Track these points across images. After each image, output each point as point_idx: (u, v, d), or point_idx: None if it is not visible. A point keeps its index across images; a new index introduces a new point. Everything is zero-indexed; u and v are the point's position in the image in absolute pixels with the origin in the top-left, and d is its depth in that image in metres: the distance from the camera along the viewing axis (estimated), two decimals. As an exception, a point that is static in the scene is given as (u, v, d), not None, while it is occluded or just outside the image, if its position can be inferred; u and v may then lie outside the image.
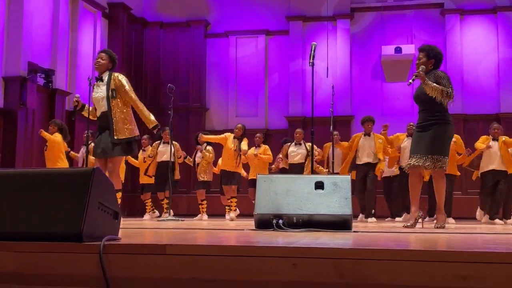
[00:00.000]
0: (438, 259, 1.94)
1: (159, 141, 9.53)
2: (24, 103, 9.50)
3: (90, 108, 5.80)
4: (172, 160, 8.97)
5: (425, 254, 1.96)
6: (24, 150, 9.43)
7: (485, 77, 12.65)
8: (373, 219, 8.34)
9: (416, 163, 5.26)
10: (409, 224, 5.36)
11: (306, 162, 8.86)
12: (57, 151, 8.39)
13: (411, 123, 8.81)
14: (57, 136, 8.42)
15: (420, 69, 5.24)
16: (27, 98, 9.53)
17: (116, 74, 5.64)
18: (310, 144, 8.60)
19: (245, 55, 13.66)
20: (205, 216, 9.38)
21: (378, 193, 9.10)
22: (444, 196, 5.37)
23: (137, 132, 5.66)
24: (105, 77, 5.60)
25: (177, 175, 9.63)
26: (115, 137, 5.46)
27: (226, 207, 9.27)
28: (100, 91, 5.58)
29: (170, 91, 8.28)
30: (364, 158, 8.60)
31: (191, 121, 13.27)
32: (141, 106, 5.65)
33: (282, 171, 9.24)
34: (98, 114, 5.63)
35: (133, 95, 5.59)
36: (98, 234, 2.34)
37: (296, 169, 8.90)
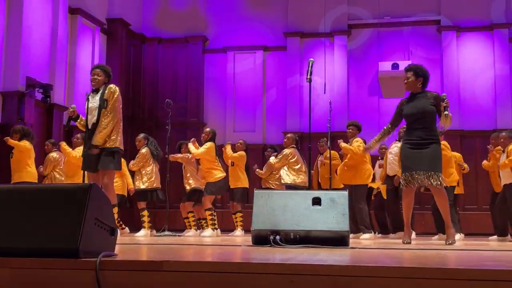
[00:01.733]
0: (435, 277, 1.93)
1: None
2: (22, 117, 9.49)
3: (84, 119, 5.80)
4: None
5: (422, 272, 1.96)
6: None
7: (482, 93, 12.70)
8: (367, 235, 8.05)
9: (416, 180, 5.27)
10: (405, 241, 5.38)
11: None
12: (24, 158, 8.03)
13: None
14: (25, 143, 8.04)
15: (444, 96, 5.32)
16: (25, 113, 9.53)
17: (112, 85, 5.73)
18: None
19: (243, 71, 13.71)
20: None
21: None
22: (449, 212, 5.39)
23: (119, 145, 5.64)
24: (101, 89, 5.70)
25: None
26: (95, 143, 5.47)
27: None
28: (94, 102, 5.65)
29: (168, 106, 8.30)
30: None
31: (189, 136, 13.17)
32: (111, 123, 5.55)
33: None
34: (90, 125, 5.64)
35: (116, 104, 5.60)
36: (95, 250, 2.33)
37: None
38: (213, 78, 13.91)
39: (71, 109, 5.78)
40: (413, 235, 7.35)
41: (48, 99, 10.05)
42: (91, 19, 12.02)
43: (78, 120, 5.79)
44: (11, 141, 8.03)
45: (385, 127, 5.83)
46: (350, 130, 8.16)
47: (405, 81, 5.54)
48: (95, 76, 5.73)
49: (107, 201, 2.60)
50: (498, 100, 12.56)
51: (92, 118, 5.59)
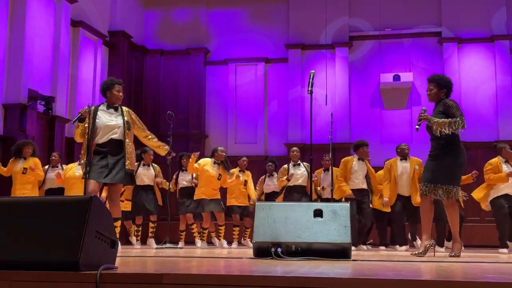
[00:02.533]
0: (437, 289, 1.92)
1: (137, 163, 8.51)
2: (24, 130, 9.51)
3: (85, 125, 5.61)
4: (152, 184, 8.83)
5: (423, 285, 1.94)
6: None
7: (483, 104, 12.71)
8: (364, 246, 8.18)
9: (425, 193, 5.24)
10: (420, 252, 5.29)
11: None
12: (38, 176, 8.43)
13: (403, 144, 8.73)
14: (38, 164, 8.37)
15: (422, 111, 5.27)
16: (27, 125, 9.54)
17: (125, 108, 5.77)
18: (307, 164, 8.68)
19: (244, 83, 13.74)
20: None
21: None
22: (458, 225, 5.32)
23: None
24: (118, 108, 5.69)
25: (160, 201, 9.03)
26: (129, 168, 5.55)
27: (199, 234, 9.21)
28: (114, 120, 5.60)
29: (170, 118, 8.30)
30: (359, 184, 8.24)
31: (191, 148, 13.24)
32: (152, 135, 6.01)
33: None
34: (103, 139, 5.55)
35: (145, 127, 5.98)
36: (95, 262, 2.32)
37: (298, 190, 8.74)
38: (214, 90, 13.93)
39: (84, 110, 5.65)
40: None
41: (50, 111, 10.07)
42: (93, 31, 12.08)
43: (83, 123, 5.63)
44: (38, 174, 8.34)
45: None
46: (367, 150, 8.39)
47: (428, 92, 5.45)
48: (121, 93, 5.76)
49: (108, 214, 2.59)
50: (500, 111, 12.56)
51: (113, 135, 5.55)
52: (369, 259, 4.48)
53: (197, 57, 13.91)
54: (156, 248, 8.02)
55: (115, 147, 5.55)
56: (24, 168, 8.22)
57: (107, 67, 12.73)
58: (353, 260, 4.00)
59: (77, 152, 10.38)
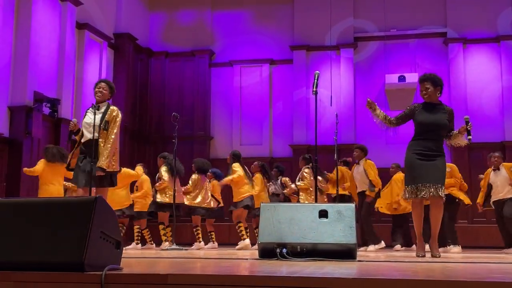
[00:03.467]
0: (443, 289, 1.91)
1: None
2: (30, 132, 9.54)
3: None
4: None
5: (429, 284, 1.93)
6: (28, 179, 9.41)
7: (489, 105, 12.66)
8: (372, 247, 8.19)
9: (428, 194, 5.21)
10: (420, 254, 5.30)
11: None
12: None
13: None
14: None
15: (467, 119, 5.35)
16: (33, 128, 9.57)
17: (115, 107, 5.72)
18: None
19: (249, 84, 13.74)
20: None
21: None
22: (439, 226, 5.37)
23: (117, 167, 5.69)
24: (103, 107, 5.68)
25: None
26: (102, 167, 5.42)
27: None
28: (92, 118, 5.59)
29: (175, 119, 8.31)
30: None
31: (196, 150, 13.28)
32: (113, 147, 5.56)
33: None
34: (84, 139, 5.62)
35: (115, 130, 5.58)
36: (100, 263, 2.32)
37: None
38: (219, 91, 13.95)
39: (72, 123, 5.75)
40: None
41: (56, 113, 10.10)
42: (98, 34, 12.10)
43: (80, 134, 5.74)
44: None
45: (390, 117, 5.78)
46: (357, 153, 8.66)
47: (424, 91, 5.44)
48: (100, 89, 5.72)
49: (112, 215, 2.59)
50: (506, 112, 12.51)
51: (88, 134, 5.55)
52: (375, 259, 4.46)
53: (202, 59, 13.93)
54: (162, 250, 8.02)
55: (89, 147, 5.51)
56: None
57: (112, 69, 12.76)
58: (359, 260, 3.99)
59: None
